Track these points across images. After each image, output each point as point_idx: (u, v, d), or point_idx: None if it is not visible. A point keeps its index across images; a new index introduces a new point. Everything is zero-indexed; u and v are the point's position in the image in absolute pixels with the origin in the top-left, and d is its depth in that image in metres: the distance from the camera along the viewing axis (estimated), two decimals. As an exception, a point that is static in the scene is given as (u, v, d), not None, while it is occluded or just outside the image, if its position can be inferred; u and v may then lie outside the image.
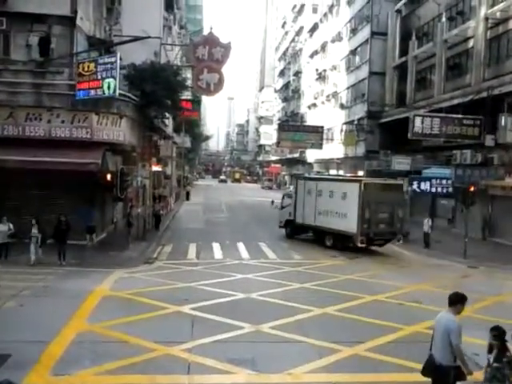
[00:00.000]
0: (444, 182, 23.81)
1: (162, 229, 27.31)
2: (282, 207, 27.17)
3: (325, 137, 46.29)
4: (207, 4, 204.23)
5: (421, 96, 33.27)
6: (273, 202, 32.47)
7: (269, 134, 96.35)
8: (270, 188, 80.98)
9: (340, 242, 22.30)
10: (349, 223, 21.38)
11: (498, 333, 6.04)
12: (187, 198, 50.00)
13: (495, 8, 25.37)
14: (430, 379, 6.87)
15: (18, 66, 18.61)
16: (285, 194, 28.49)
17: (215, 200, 50.85)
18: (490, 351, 6.13)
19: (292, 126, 51.60)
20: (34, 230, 16.55)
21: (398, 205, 21.85)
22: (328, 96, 52.23)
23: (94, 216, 20.15)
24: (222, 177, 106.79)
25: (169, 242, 23.53)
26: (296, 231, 25.55)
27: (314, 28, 60.94)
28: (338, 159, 48.31)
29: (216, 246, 22.52)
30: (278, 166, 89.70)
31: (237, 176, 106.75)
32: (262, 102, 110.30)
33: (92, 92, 18.01)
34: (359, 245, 21.21)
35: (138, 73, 22.46)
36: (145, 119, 23.67)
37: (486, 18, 26.01)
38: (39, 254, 16.73)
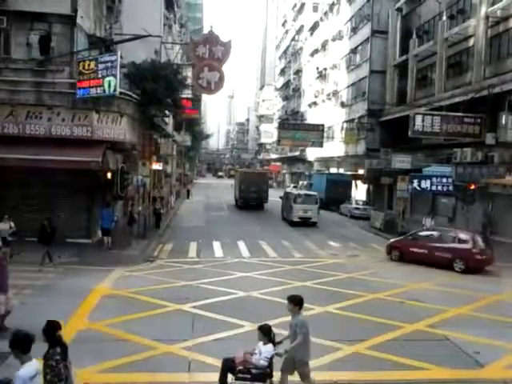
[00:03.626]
0: (444, 180, 23.77)
1: (162, 227, 27.33)
2: (235, 188, 43.47)
3: (325, 135, 46.24)
4: (207, 2, 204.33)
5: (421, 94, 33.21)
6: (232, 185, 48.72)
7: (269, 133, 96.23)
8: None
9: (238, 203, 40.67)
10: (236, 193, 41.51)
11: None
12: (188, 197, 50.09)
13: (496, 6, 25.31)
14: (428, 378, 6.92)
15: (19, 64, 18.56)
16: (235, 180, 44.88)
17: (216, 198, 50.84)
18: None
19: (292, 125, 51.34)
20: None
21: (263, 184, 39.93)
22: (328, 94, 52.16)
23: (111, 218, 19.97)
24: (220, 173, 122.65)
25: (169, 241, 23.55)
26: (236, 202, 42.17)
27: (315, 27, 60.86)
28: (338, 157, 48.29)
29: (216, 245, 22.55)
30: (278, 164, 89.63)
31: (232, 173, 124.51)
32: (263, 101, 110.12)
33: (92, 90, 17.95)
34: (239, 204, 40.14)
35: (138, 71, 22.45)
36: (145, 117, 23.66)
37: (487, 17, 25.95)
38: None
